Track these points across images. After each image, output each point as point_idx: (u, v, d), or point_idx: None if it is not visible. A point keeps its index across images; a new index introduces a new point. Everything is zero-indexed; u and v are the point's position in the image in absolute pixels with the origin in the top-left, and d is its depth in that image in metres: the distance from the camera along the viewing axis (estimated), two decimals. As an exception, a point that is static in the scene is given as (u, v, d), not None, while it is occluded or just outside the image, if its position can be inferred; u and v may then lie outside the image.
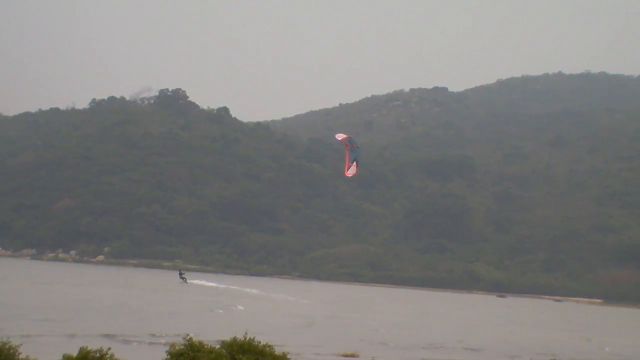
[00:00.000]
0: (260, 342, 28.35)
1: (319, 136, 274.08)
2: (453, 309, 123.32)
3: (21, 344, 26.39)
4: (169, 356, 27.33)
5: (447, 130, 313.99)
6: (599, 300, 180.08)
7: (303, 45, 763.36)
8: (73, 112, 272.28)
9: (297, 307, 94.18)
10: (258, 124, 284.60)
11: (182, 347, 27.29)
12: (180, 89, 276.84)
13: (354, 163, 40.64)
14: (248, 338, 28.36)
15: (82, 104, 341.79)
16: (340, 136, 41.70)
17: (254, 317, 74.57)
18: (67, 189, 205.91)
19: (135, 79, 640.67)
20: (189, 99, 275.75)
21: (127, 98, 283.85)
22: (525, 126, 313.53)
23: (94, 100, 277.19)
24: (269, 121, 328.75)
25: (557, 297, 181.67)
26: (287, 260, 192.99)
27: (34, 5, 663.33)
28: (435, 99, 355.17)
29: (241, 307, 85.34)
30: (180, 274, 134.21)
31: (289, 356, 29.15)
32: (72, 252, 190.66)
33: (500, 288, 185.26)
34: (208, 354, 26.86)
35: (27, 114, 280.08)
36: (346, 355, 51.34)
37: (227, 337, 28.59)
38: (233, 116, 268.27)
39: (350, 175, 41.74)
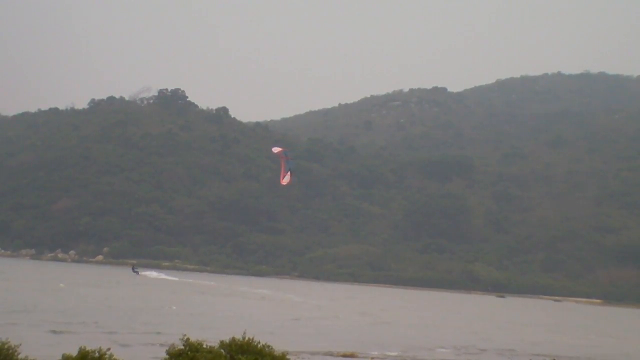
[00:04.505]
0: (259, 343, 28.32)
1: (319, 136, 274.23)
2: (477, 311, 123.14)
3: (21, 344, 26.33)
4: (168, 356, 27.31)
5: (446, 130, 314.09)
6: (598, 301, 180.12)
7: (303, 45, 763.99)
8: (72, 112, 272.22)
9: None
10: (257, 124, 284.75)
11: (182, 347, 27.26)
12: (179, 89, 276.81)
13: (289, 173, 44.96)
14: (247, 338, 28.31)
15: (82, 104, 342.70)
16: (276, 149, 46.57)
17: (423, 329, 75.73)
18: (67, 189, 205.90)
19: (134, 79, 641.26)
20: (189, 99, 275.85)
21: (127, 98, 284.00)
22: (525, 126, 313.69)
23: (93, 100, 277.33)
24: (269, 121, 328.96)
25: (557, 298, 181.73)
26: (286, 260, 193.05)
27: (33, 6, 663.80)
28: (435, 99, 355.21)
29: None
30: (134, 269, 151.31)
31: (288, 356, 29.13)
32: (72, 253, 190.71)
33: (499, 288, 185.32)
34: (207, 354, 26.84)
35: (26, 114, 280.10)
36: (345, 356, 51.36)
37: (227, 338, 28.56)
38: (232, 116, 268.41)
39: (285, 184, 45.93)
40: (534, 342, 73.25)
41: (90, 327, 55.55)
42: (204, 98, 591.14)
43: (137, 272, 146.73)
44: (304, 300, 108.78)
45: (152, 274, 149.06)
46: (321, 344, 55.75)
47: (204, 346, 27.52)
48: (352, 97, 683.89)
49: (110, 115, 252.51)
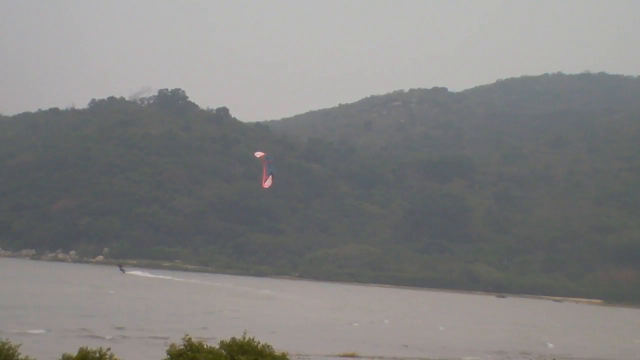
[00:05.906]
0: (259, 343, 28.27)
1: (319, 136, 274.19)
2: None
3: (20, 344, 26.28)
4: (168, 356, 27.26)
5: (446, 130, 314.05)
6: (598, 301, 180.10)
7: (302, 45, 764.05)
8: (72, 112, 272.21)
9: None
10: (257, 124, 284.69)
11: (182, 347, 27.22)
12: (179, 89, 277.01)
13: (270, 176, 47.03)
14: (247, 338, 28.26)
15: (82, 104, 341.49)
16: (258, 154, 48.96)
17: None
18: (67, 189, 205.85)
19: (134, 79, 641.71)
20: (189, 99, 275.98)
21: (127, 98, 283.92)
22: (525, 126, 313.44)
23: (93, 100, 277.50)
24: (269, 121, 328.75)
25: (557, 298, 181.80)
26: (286, 260, 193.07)
27: (33, 6, 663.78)
28: (435, 99, 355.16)
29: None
30: (120, 267, 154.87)
31: (288, 357, 29.10)
32: (72, 252, 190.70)
33: (499, 288, 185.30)
34: (207, 354, 26.80)
35: (26, 114, 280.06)
36: (346, 356, 51.33)
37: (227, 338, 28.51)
38: (232, 116, 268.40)
39: (267, 187, 47.54)
40: (579, 346, 72.66)
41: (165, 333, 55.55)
42: (204, 98, 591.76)
43: (123, 271, 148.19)
44: (341, 303, 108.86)
45: (142, 274, 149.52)
46: (368, 348, 55.61)
47: (204, 346, 27.48)
48: (352, 97, 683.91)
49: (110, 115, 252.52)
